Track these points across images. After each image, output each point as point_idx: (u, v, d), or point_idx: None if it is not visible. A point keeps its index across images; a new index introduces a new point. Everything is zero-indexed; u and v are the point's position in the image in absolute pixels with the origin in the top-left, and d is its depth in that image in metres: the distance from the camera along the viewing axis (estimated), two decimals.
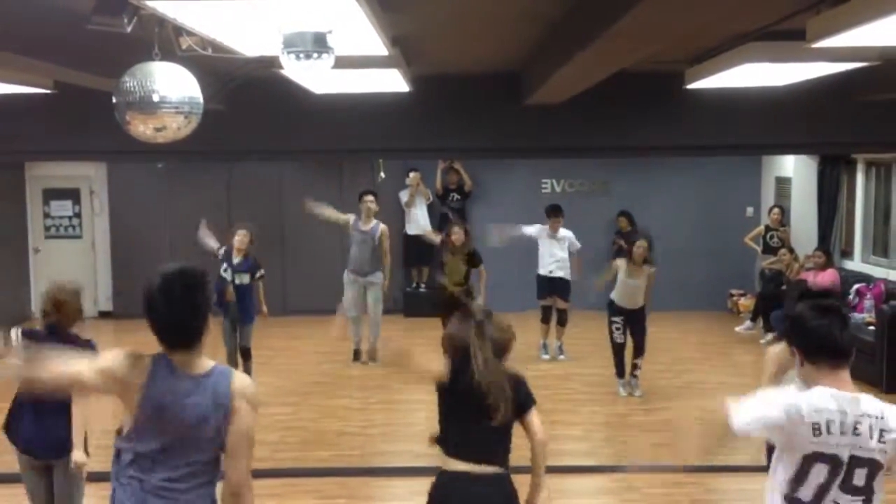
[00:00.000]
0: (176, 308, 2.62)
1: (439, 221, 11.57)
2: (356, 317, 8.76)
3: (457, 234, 8.25)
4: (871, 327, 8.23)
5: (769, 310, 9.64)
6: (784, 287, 9.88)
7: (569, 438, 6.73)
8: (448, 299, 8.21)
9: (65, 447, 4.29)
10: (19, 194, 11.52)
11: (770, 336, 9.59)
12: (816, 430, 2.61)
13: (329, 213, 8.72)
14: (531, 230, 8.96)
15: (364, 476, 5.93)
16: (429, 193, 11.47)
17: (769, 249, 10.40)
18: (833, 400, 2.67)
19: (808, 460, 2.64)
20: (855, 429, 2.63)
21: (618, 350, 7.77)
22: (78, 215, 11.79)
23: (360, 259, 8.63)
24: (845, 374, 2.77)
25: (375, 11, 3.04)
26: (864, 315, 8.56)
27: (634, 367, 7.79)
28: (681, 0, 2.76)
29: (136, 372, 2.66)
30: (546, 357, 9.00)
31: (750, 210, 11.73)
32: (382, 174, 11.21)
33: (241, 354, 7.52)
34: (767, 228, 10.56)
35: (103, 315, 11.74)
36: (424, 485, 5.80)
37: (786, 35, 4.00)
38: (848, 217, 10.02)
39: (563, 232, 8.91)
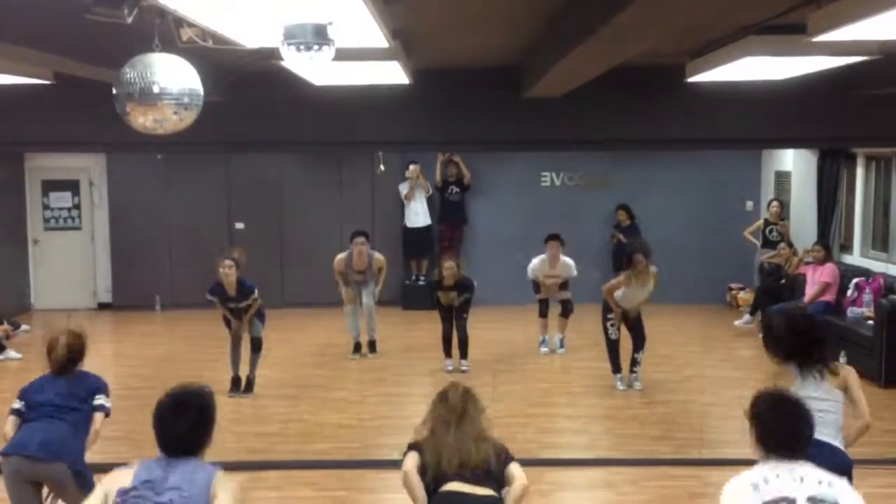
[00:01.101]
0: (183, 426, 2.84)
1: (439, 213, 11.59)
2: (354, 311, 8.76)
3: (449, 270, 8.10)
4: (870, 322, 8.24)
5: (768, 304, 9.65)
6: (783, 281, 9.89)
7: (567, 431, 6.75)
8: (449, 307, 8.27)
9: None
10: (18, 185, 11.52)
11: None
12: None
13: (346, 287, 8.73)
14: (531, 272, 8.82)
15: (362, 469, 5.94)
16: (428, 186, 11.47)
17: (768, 243, 10.41)
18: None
19: None
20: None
21: (613, 346, 7.72)
22: (77, 207, 11.79)
23: (358, 286, 8.74)
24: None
25: (376, 4, 3.04)
26: (864, 309, 8.57)
27: (634, 361, 7.79)
28: None
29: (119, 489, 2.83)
30: (545, 350, 9.01)
31: (749, 204, 11.73)
32: (382, 166, 11.20)
33: (252, 345, 7.52)
34: (767, 222, 10.56)
35: (102, 307, 11.75)
36: None
37: (787, 29, 3.99)
38: (847, 211, 10.02)
39: (564, 261, 8.76)
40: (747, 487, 2.67)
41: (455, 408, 3.80)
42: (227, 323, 7.58)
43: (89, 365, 8.86)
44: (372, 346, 8.94)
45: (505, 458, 3.67)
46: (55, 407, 4.25)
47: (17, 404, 4.34)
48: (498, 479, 3.60)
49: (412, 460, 3.67)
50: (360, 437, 6.61)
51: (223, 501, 2.77)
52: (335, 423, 6.90)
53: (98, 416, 4.40)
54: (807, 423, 2.78)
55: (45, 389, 4.33)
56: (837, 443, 3.87)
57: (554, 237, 8.79)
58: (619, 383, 7.73)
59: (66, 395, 4.32)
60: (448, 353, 8.31)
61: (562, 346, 9.06)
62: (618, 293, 7.63)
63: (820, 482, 2.63)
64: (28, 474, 4.11)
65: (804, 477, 2.64)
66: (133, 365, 8.50)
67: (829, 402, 3.84)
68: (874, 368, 7.83)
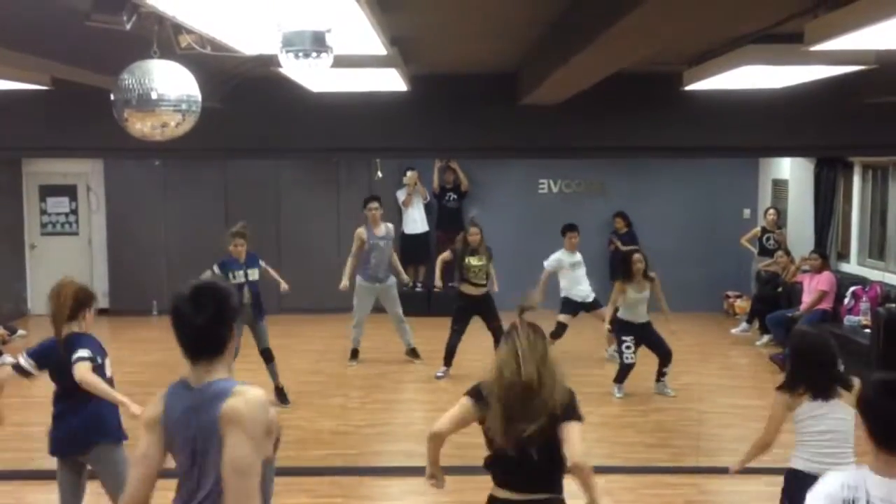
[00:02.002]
0: (203, 317, 2.60)
1: (437, 220, 11.59)
2: (362, 322, 8.74)
3: (475, 235, 8.16)
4: (867, 330, 8.24)
5: (765, 312, 9.66)
6: (780, 289, 9.90)
7: None
8: (476, 301, 8.19)
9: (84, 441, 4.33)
10: (16, 190, 11.51)
11: (766, 338, 9.62)
12: None
13: (350, 266, 8.65)
14: (549, 265, 8.65)
15: (359, 475, 5.93)
16: (426, 192, 11.48)
17: (765, 251, 10.42)
18: (864, 483, 2.39)
19: None
20: None
21: (627, 369, 7.63)
22: (75, 212, 11.78)
23: (379, 265, 8.62)
24: None
25: (374, 11, 3.04)
26: (860, 318, 8.57)
27: (662, 374, 7.76)
28: (679, 3, 2.76)
29: (157, 428, 2.66)
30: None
31: (746, 212, 11.75)
32: (379, 173, 11.22)
33: (264, 357, 7.41)
34: (764, 230, 10.58)
35: (99, 312, 11.67)
36: (419, 485, 5.82)
37: (784, 38, 4.01)
38: (844, 220, 10.04)
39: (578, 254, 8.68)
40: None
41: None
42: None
43: None
44: (414, 352, 8.87)
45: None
46: None
47: None
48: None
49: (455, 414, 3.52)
50: (357, 443, 6.60)
51: (232, 448, 2.46)
52: (332, 430, 6.88)
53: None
54: None
55: None
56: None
57: (571, 226, 8.69)
58: (617, 392, 7.72)
59: None
60: (449, 363, 8.25)
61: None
62: (622, 312, 7.60)
63: None
64: None
65: None
66: (130, 371, 8.46)
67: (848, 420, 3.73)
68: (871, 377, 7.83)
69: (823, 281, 8.91)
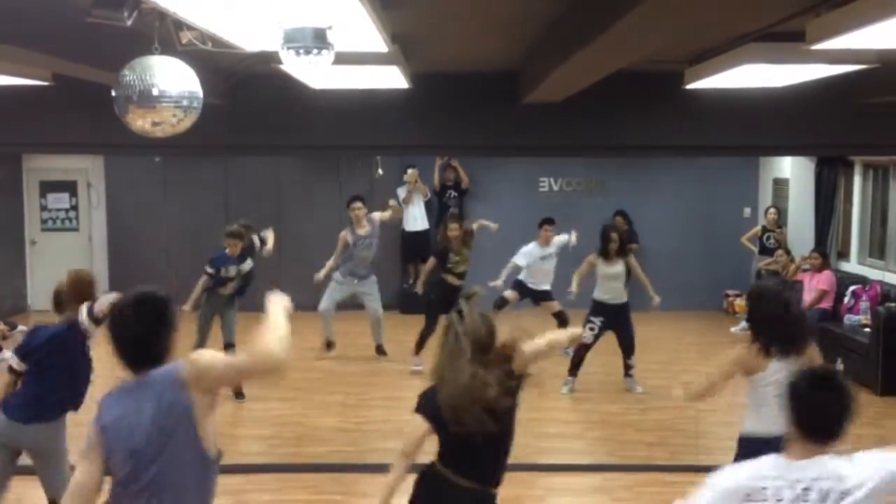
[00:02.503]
0: (143, 326, 2.61)
1: (437, 217, 11.59)
2: (331, 314, 8.76)
3: (454, 231, 8.24)
4: (867, 329, 8.25)
5: None
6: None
7: (563, 437, 6.74)
8: (455, 290, 8.22)
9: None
10: (16, 186, 11.50)
11: None
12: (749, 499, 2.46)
13: (328, 268, 8.70)
14: (521, 260, 8.73)
15: (359, 472, 5.93)
16: (426, 190, 11.47)
17: (766, 250, 10.42)
18: (774, 470, 2.50)
19: None
20: (803, 497, 2.44)
21: (581, 349, 7.67)
22: (75, 208, 11.78)
23: (360, 263, 8.66)
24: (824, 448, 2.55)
25: (376, 8, 3.04)
26: (860, 317, 8.58)
27: (628, 367, 7.78)
28: (680, 1, 2.76)
29: (95, 453, 2.63)
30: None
31: (747, 211, 11.75)
32: (380, 171, 11.21)
33: (227, 351, 7.46)
34: (764, 229, 10.58)
35: None
36: None
37: (785, 37, 4.00)
38: (845, 219, 10.04)
39: (557, 241, 8.77)
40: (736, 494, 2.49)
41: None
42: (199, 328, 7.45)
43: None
44: (380, 349, 8.90)
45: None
46: None
47: None
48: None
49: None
50: (357, 440, 6.60)
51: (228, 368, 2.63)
52: (332, 427, 6.89)
53: None
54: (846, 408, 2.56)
55: None
56: None
57: (549, 221, 8.78)
58: (565, 387, 7.70)
59: None
60: (419, 352, 8.28)
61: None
62: (596, 291, 7.62)
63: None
64: None
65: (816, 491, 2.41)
66: None
67: None
68: (871, 376, 7.84)
69: (824, 280, 8.92)
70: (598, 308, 7.67)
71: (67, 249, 11.70)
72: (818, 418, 2.51)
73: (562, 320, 8.88)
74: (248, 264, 7.62)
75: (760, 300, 3.96)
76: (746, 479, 2.51)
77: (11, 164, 11.34)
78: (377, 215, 8.79)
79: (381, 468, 6.04)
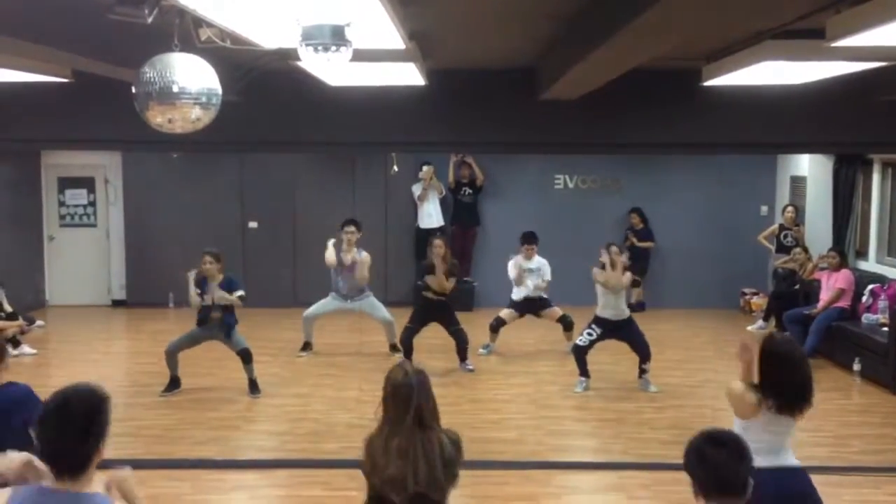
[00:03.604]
0: (68, 431, 2.36)
1: (452, 214, 11.60)
2: (311, 319, 8.83)
3: (440, 248, 8.15)
4: (885, 328, 8.19)
5: (782, 309, 9.60)
6: (797, 286, 9.84)
7: (578, 434, 6.73)
8: (434, 306, 8.22)
9: None
10: (35, 182, 11.60)
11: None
12: None
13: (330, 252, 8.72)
14: (510, 272, 8.79)
15: None
16: (441, 187, 11.48)
17: (783, 248, 10.36)
18: None
19: None
20: None
21: (579, 351, 7.68)
22: (92, 204, 11.87)
23: (346, 288, 8.74)
24: None
25: (394, 5, 3.05)
26: (878, 316, 8.51)
27: (643, 370, 7.76)
28: None
29: None
30: (483, 352, 8.93)
31: (764, 209, 11.68)
32: (395, 167, 11.22)
33: (242, 358, 7.49)
34: (781, 227, 10.51)
35: (116, 304, 11.82)
36: None
37: (804, 33, 3.98)
38: (863, 217, 9.96)
39: (538, 260, 8.79)
40: None
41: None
42: (201, 321, 7.48)
43: (105, 361, 8.94)
44: (393, 347, 8.92)
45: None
46: None
47: None
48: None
49: None
50: None
51: None
52: (346, 423, 6.91)
53: None
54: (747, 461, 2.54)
55: None
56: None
57: (529, 237, 8.81)
58: (579, 387, 7.69)
59: None
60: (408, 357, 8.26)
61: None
62: (599, 309, 7.62)
63: None
64: None
65: None
66: (146, 362, 8.55)
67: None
68: (888, 375, 7.78)
69: (841, 279, 8.85)
70: (600, 321, 7.65)
71: (85, 245, 11.80)
72: (724, 476, 2.51)
73: (566, 324, 8.89)
74: (226, 296, 7.36)
75: (771, 358, 3.60)
76: None
77: (30, 160, 11.43)
78: (366, 257, 8.64)
79: None
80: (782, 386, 3.55)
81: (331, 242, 8.72)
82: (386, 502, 3.04)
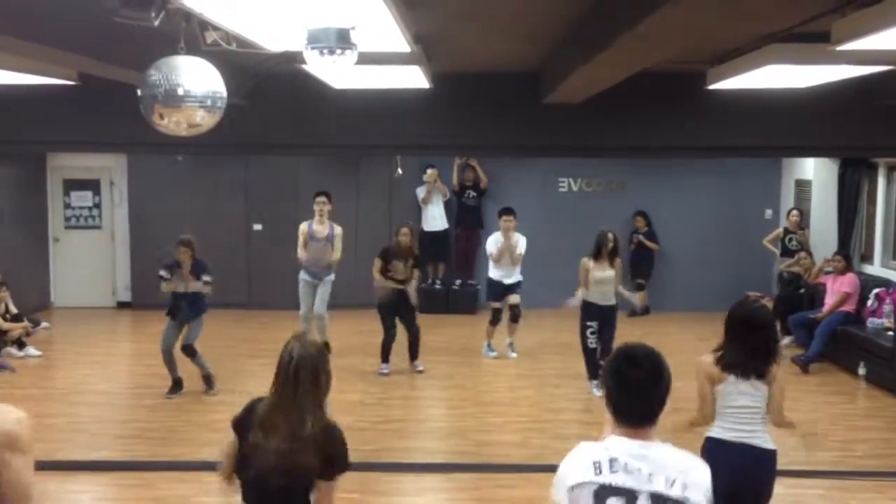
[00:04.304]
0: None
1: (456, 217, 11.60)
2: (308, 317, 8.81)
3: (405, 236, 8.34)
4: (890, 332, 8.16)
5: (787, 313, 9.58)
6: (802, 290, 9.82)
7: (583, 438, 6.71)
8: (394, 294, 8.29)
9: None
10: (40, 184, 11.63)
11: (788, 340, 9.55)
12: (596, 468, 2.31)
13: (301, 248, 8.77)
14: (490, 247, 8.91)
15: (376, 471, 5.95)
16: (446, 190, 11.48)
17: (787, 252, 10.33)
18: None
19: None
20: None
21: (591, 354, 7.69)
22: (98, 206, 11.90)
23: (315, 262, 8.71)
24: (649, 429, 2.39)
25: (399, 8, 3.05)
26: (884, 320, 8.49)
27: (599, 366, 7.77)
28: (704, 2, 2.75)
29: None
30: (493, 354, 8.97)
31: (769, 212, 11.67)
32: (400, 170, 11.23)
33: (186, 352, 7.56)
34: (786, 231, 10.49)
35: (121, 305, 11.84)
36: (436, 481, 5.84)
37: (810, 37, 3.98)
38: (868, 221, 9.93)
39: (516, 236, 8.84)
40: (588, 464, 2.33)
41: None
42: (171, 311, 7.57)
43: (109, 363, 8.96)
44: (326, 346, 9.01)
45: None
46: None
47: None
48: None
49: None
50: (374, 439, 6.61)
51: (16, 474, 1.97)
52: (349, 426, 6.87)
53: None
54: (661, 388, 2.38)
55: None
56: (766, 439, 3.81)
57: (507, 209, 8.86)
58: (595, 390, 7.67)
59: None
60: (386, 358, 8.37)
61: (513, 350, 9.05)
62: (588, 294, 7.59)
63: (672, 482, 2.29)
64: None
65: (653, 474, 2.29)
66: (151, 364, 8.55)
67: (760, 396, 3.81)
68: (894, 380, 7.76)
69: (847, 283, 8.83)
70: (590, 310, 7.64)
71: (90, 247, 11.83)
72: (632, 397, 2.37)
73: (515, 315, 8.93)
74: (196, 284, 7.49)
75: (732, 316, 3.96)
76: (593, 453, 2.37)
77: (36, 163, 11.47)
78: (340, 230, 8.75)
79: (399, 467, 6.11)
80: (739, 348, 3.82)
81: (302, 225, 8.75)
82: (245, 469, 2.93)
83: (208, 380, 7.68)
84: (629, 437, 2.36)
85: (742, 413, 3.81)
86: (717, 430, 3.87)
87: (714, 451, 3.74)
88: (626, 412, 2.38)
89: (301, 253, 8.74)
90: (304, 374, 2.91)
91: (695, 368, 3.94)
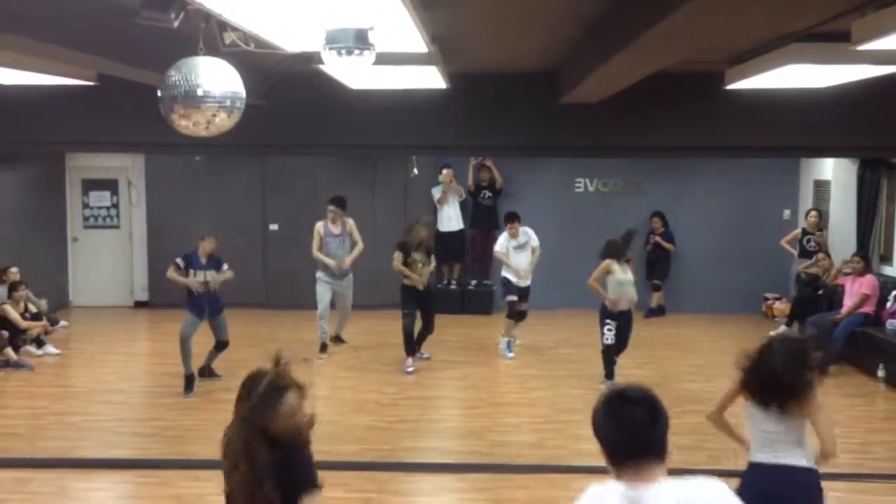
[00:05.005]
0: None
1: (472, 218, 11.60)
2: (325, 315, 8.92)
3: (422, 234, 8.50)
4: None
5: (805, 315, 9.52)
6: (821, 292, 9.74)
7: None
8: (417, 291, 8.35)
9: None
10: (59, 184, 11.74)
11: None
12: None
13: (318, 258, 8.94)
14: (498, 247, 9.03)
15: (393, 470, 5.96)
16: (461, 190, 11.48)
17: (806, 253, 10.26)
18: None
19: None
20: None
21: (609, 351, 7.67)
22: (116, 206, 11.99)
23: (337, 258, 8.88)
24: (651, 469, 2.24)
25: (417, 9, 3.06)
26: None
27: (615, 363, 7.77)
28: (723, 1, 2.73)
29: None
30: (511, 356, 8.97)
31: (787, 213, 11.58)
32: (416, 170, 11.24)
33: (219, 348, 7.90)
34: (804, 232, 10.41)
35: (139, 305, 11.92)
36: (451, 481, 5.84)
37: (829, 37, 3.95)
38: (888, 222, 9.84)
39: (524, 232, 8.92)
40: None
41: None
42: (191, 297, 7.71)
43: (127, 362, 9.01)
44: (338, 339, 9.28)
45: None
46: None
47: None
48: None
49: None
50: (391, 439, 6.63)
51: None
52: (365, 425, 6.93)
53: None
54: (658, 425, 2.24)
55: None
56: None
57: (510, 217, 8.97)
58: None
59: None
60: (411, 351, 8.38)
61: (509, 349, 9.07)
62: (613, 291, 7.57)
63: None
64: None
65: None
66: (168, 363, 8.60)
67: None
68: None
69: (866, 284, 8.76)
70: (609, 312, 7.61)
71: (108, 246, 11.92)
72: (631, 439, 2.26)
73: (521, 317, 8.99)
74: (216, 275, 7.74)
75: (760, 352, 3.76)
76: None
77: (55, 163, 11.57)
78: (351, 221, 9.07)
79: (415, 466, 6.11)
80: (750, 375, 3.75)
81: (318, 225, 8.95)
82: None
83: (211, 371, 7.96)
84: (628, 480, 2.23)
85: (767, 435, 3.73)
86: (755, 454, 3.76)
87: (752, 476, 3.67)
88: (623, 454, 2.26)
89: (318, 254, 8.86)
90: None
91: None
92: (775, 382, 3.64)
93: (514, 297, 8.85)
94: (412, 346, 8.40)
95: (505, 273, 8.99)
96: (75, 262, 11.93)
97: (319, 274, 8.95)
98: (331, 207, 9.03)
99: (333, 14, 2.99)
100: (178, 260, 7.73)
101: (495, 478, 5.78)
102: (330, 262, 8.82)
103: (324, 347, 9.08)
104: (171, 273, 7.73)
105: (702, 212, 11.41)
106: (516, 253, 8.90)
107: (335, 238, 8.96)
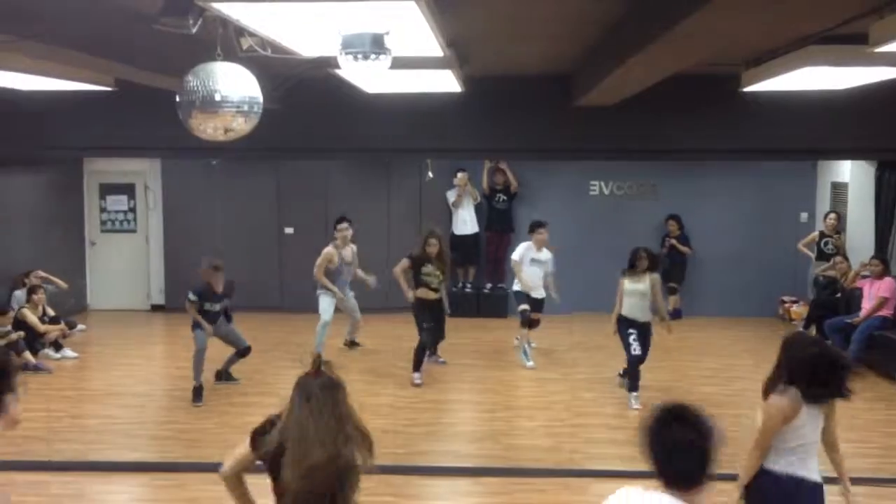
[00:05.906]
0: None
1: (486, 221, 11.60)
2: (326, 325, 8.91)
3: (434, 247, 8.21)
4: None
5: (823, 318, 9.45)
6: (839, 295, 9.67)
7: (613, 443, 6.68)
8: (430, 304, 8.25)
9: None
10: (77, 188, 11.83)
11: None
12: None
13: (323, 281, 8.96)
14: (515, 255, 8.87)
15: (408, 474, 5.96)
16: (476, 194, 11.48)
17: (823, 256, 10.18)
18: None
19: None
20: None
21: (635, 362, 7.51)
22: (133, 210, 12.06)
23: (344, 285, 8.98)
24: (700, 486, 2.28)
25: (433, 13, 3.06)
26: None
27: (626, 372, 7.68)
28: (741, 4, 2.73)
29: None
30: (531, 364, 8.82)
31: (804, 215, 11.51)
32: (430, 173, 11.25)
33: (242, 354, 8.00)
34: (822, 235, 10.34)
35: (155, 308, 11.99)
36: (467, 485, 5.84)
37: (847, 39, 3.93)
38: None
39: (548, 253, 8.80)
40: None
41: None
42: (196, 326, 7.74)
43: (144, 365, 9.06)
44: (353, 343, 9.45)
45: None
46: None
47: None
48: None
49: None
50: (407, 442, 6.63)
51: None
52: (380, 429, 6.89)
53: None
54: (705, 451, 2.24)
55: None
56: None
57: (539, 223, 8.81)
58: (634, 401, 7.53)
59: None
60: (418, 367, 8.23)
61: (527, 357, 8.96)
62: (623, 309, 7.52)
63: None
64: None
65: None
66: (185, 366, 8.64)
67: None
68: None
69: (885, 287, 8.69)
70: (627, 322, 7.55)
71: (125, 250, 12.00)
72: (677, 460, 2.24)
73: (533, 325, 8.92)
74: (227, 301, 7.85)
75: (794, 345, 3.68)
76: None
77: (73, 167, 11.66)
78: (353, 247, 9.02)
79: (431, 470, 6.11)
80: (814, 367, 3.59)
81: (329, 247, 8.85)
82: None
83: (227, 375, 8.02)
84: (677, 494, 2.26)
85: (811, 445, 3.68)
86: (801, 469, 3.69)
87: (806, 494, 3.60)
88: (674, 472, 2.28)
89: (324, 279, 8.83)
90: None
91: (767, 415, 3.69)
92: (845, 369, 3.59)
93: (526, 307, 8.79)
94: (422, 361, 8.32)
95: (516, 287, 8.87)
96: (93, 265, 12.02)
97: (320, 290, 8.96)
98: (342, 226, 8.88)
99: (350, 19, 3.00)
100: (192, 296, 7.65)
101: (511, 481, 5.77)
102: (338, 293, 8.83)
103: (352, 344, 9.22)
104: (191, 311, 7.70)
105: (718, 214, 11.35)
106: (531, 266, 8.75)
107: (348, 266, 8.94)
